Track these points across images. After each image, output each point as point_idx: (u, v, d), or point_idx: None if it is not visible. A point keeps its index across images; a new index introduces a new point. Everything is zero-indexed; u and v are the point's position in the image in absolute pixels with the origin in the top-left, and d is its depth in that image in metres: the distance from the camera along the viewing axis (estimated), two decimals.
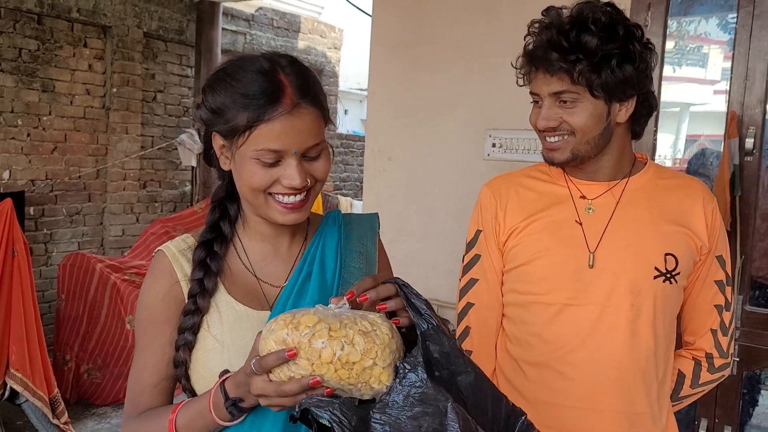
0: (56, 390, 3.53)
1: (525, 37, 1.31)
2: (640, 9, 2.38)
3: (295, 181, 1.00)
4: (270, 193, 1.02)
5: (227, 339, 1.05)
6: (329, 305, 0.90)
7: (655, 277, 1.29)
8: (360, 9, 6.44)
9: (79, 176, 5.00)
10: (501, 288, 1.43)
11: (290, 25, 6.56)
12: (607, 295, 1.30)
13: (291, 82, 0.99)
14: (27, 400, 3.46)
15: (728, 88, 2.25)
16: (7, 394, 3.41)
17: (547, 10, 1.29)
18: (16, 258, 3.40)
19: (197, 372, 1.06)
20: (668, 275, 1.30)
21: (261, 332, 0.89)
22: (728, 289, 1.39)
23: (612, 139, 1.32)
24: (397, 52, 2.99)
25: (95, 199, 5.15)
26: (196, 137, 5.38)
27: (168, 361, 1.07)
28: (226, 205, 1.13)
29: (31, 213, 4.71)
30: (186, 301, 1.07)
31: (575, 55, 1.21)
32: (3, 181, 4.54)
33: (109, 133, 5.14)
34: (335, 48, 7.19)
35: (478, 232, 1.45)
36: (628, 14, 2.42)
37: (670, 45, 5.81)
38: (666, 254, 1.30)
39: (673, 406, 1.44)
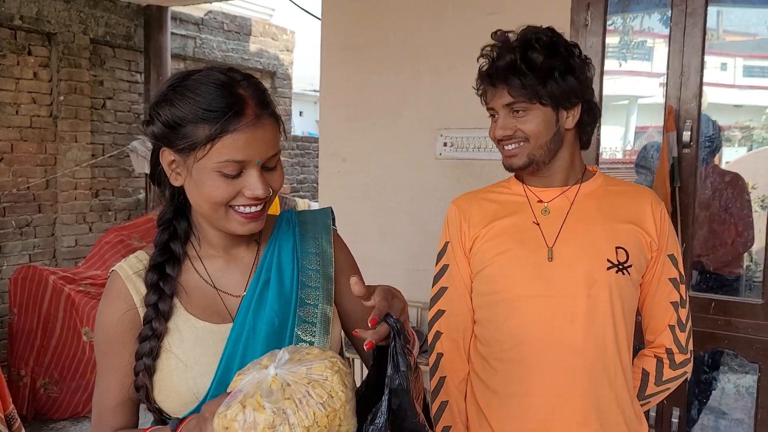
0: (11, 406, 3.45)
1: (478, 60, 1.44)
2: (580, 9, 2.46)
3: (258, 191, 1.01)
4: (230, 206, 1.03)
5: (190, 358, 1.05)
6: (277, 357, 0.87)
7: (608, 268, 1.39)
8: (309, 13, 6.42)
9: (28, 187, 4.89)
10: (470, 295, 1.51)
11: (241, 28, 6.52)
12: (564, 286, 1.39)
13: (251, 95, 1.01)
14: None
15: (665, 84, 2.35)
16: None
17: (495, 33, 1.44)
18: None
19: (162, 393, 1.05)
20: (620, 266, 1.39)
21: (218, 411, 0.85)
22: (682, 287, 1.49)
23: (563, 144, 1.44)
24: (347, 54, 3.02)
25: (46, 209, 5.04)
26: (149, 144, 5.31)
27: (129, 383, 1.06)
28: (175, 225, 1.12)
29: None
30: (143, 325, 1.06)
31: (523, 70, 1.35)
32: None
33: (57, 142, 5.03)
34: (287, 50, 7.17)
35: (446, 243, 1.54)
36: (568, 14, 2.52)
37: (615, 40, 5.99)
38: (617, 247, 1.40)
39: (641, 405, 1.51)
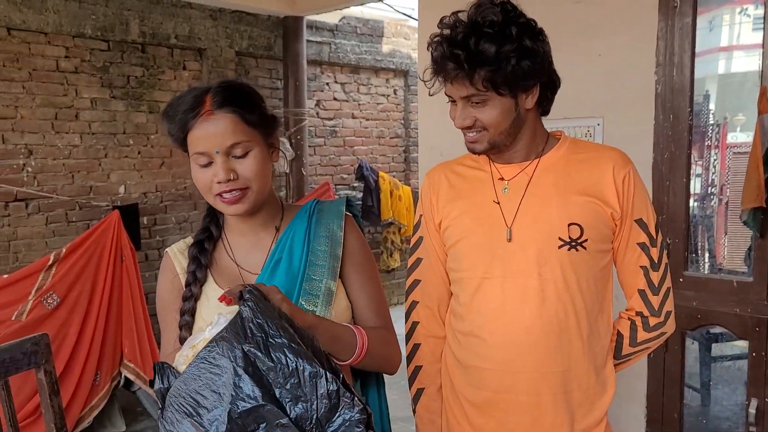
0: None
1: (427, 48, 1.41)
2: None
3: (219, 176, 1.20)
4: (216, 195, 1.24)
5: (210, 318, 1.23)
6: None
7: (560, 246, 1.40)
8: (409, 16, 6.47)
9: (185, 187, 5.50)
10: (444, 267, 1.57)
11: (374, 30, 6.80)
12: (517, 267, 1.42)
13: (211, 97, 1.21)
14: (140, 388, 3.92)
15: (760, 63, 2.21)
16: (122, 382, 3.88)
17: (442, 20, 1.38)
18: (124, 262, 3.86)
19: None
20: (573, 243, 1.39)
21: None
22: (653, 250, 1.46)
23: (524, 124, 1.43)
24: None
25: (200, 207, 5.63)
26: (287, 144, 5.75)
27: (178, 333, 1.31)
28: (216, 212, 1.36)
29: (145, 222, 5.24)
30: (184, 289, 1.30)
31: (473, 64, 1.31)
32: (119, 195, 5.10)
33: None
34: None
35: (421, 216, 1.61)
36: None
37: (760, 12, 5.48)
38: (570, 224, 1.40)
39: (619, 364, 1.54)
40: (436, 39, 1.38)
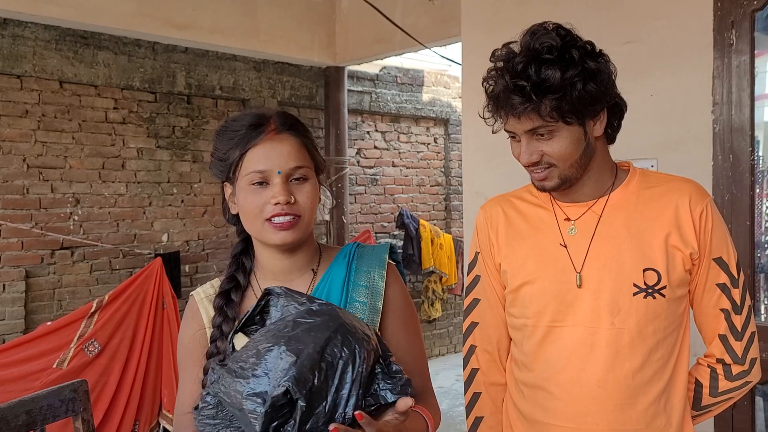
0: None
1: (482, 84, 1.33)
2: (723, 28, 2.30)
3: (279, 197, 1.14)
4: (266, 219, 1.16)
5: None
6: None
7: (635, 294, 1.29)
8: (452, 60, 6.48)
9: (227, 236, 5.51)
10: (504, 307, 1.47)
11: (414, 80, 6.85)
12: (588, 315, 1.31)
13: (274, 117, 1.19)
14: None
15: None
16: None
17: (495, 53, 1.30)
18: (165, 310, 3.85)
19: None
20: (650, 290, 1.28)
21: None
22: (735, 291, 1.34)
23: (594, 154, 1.34)
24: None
25: None
26: (327, 192, 5.75)
27: (199, 391, 1.20)
28: (242, 259, 1.28)
29: (186, 270, 5.25)
30: (209, 344, 1.21)
31: (540, 93, 1.22)
32: (162, 243, 5.14)
33: None
34: (460, 97, 7.35)
35: (477, 253, 1.51)
36: (710, 34, 2.37)
37: None
38: (645, 269, 1.29)
39: (698, 416, 1.41)
40: (493, 73, 1.30)
